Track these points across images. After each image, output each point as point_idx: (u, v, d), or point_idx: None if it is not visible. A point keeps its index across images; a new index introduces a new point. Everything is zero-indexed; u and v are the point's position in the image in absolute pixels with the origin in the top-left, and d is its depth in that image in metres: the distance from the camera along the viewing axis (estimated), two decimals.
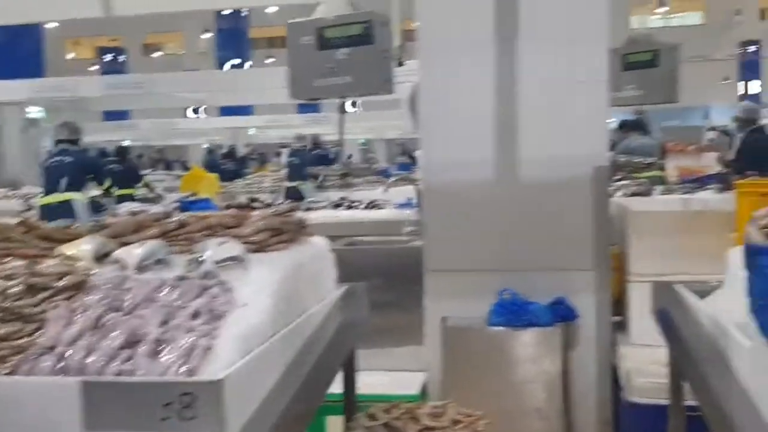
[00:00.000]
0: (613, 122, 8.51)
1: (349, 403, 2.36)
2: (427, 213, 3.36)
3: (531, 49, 3.22)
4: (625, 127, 8.18)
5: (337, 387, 2.34)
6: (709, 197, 3.55)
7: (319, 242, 2.13)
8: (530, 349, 3.16)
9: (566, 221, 3.24)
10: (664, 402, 2.44)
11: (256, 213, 2.00)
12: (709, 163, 10.55)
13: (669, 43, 4.11)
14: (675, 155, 9.86)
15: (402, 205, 4.60)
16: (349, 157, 18.62)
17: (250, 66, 18.55)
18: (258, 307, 1.61)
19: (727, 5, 27.45)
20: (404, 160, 14.53)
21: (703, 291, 2.14)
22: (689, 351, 1.92)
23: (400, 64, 3.36)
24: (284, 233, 1.91)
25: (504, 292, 3.18)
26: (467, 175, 3.29)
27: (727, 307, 1.79)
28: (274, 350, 1.64)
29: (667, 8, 26.83)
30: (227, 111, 17.73)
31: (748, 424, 1.48)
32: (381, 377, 3.12)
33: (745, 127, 6.50)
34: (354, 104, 14.74)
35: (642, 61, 4.11)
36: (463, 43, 3.25)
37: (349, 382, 2.34)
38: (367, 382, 2.81)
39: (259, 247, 1.84)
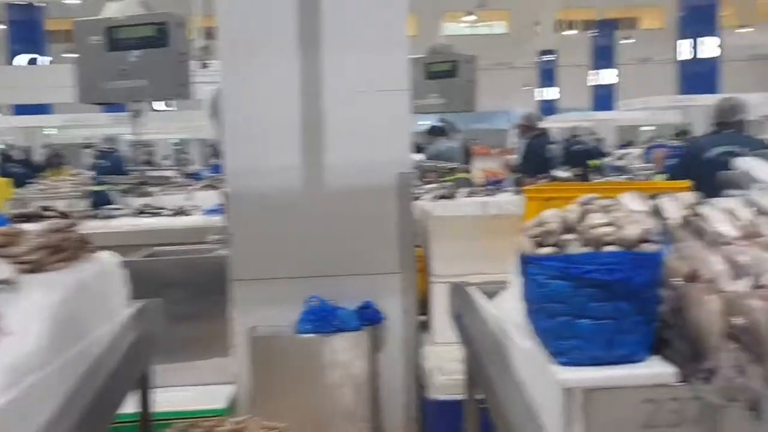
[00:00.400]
0: (424, 126, 8.85)
1: (145, 424, 2.25)
2: (233, 220, 3.29)
3: (335, 56, 3.25)
4: (434, 131, 8.52)
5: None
6: (504, 200, 3.78)
7: (105, 258, 2.00)
8: (339, 354, 3.19)
9: (372, 226, 3.31)
10: (461, 398, 2.56)
11: (32, 229, 1.84)
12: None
13: (466, 55, 4.32)
14: (480, 157, 10.45)
15: (210, 211, 4.47)
16: (166, 157, 17.81)
17: (49, 61, 17.23)
18: (30, 335, 1.49)
19: (527, 16, 29.58)
20: (218, 162, 14.12)
21: (494, 292, 2.26)
22: (477, 349, 2.03)
23: (204, 66, 3.26)
24: (64, 251, 1.78)
25: (311, 299, 3.18)
26: (273, 181, 3.27)
27: (510, 309, 1.91)
28: (50, 379, 1.52)
29: (474, 18, 28.38)
30: (21, 109, 16.32)
31: (524, 418, 1.59)
32: (187, 393, 3.02)
33: (526, 133, 6.95)
34: (167, 103, 14.15)
35: (442, 71, 4.28)
36: (266, 47, 3.22)
37: (145, 402, 2.23)
38: (172, 399, 2.71)
39: (35, 267, 1.70)
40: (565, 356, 1.44)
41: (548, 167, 6.34)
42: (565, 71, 28.61)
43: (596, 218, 1.48)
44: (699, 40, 19.08)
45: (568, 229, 1.48)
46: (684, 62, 19.78)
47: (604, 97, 25.49)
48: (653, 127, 24.05)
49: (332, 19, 3.23)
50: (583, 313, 1.42)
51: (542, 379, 1.52)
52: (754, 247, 1.76)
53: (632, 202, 2.35)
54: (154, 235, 3.87)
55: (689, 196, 2.22)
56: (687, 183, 2.96)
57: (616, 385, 1.40)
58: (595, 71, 26.26)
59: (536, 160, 6.58)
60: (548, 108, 27.87)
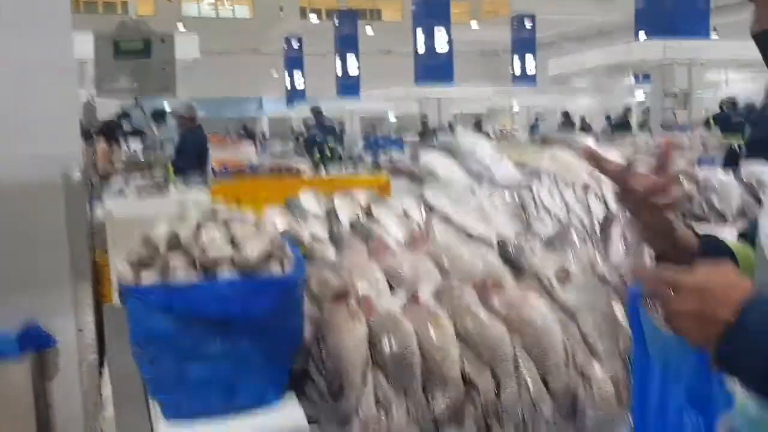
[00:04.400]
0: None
1: None
2: None
3: None
4: (155, 116, 7.89)
5: None
6: (203, 198, 3.41)
7: None
8: None
9: (34, 233, 2.78)
10: None
11: None
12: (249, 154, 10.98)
13: (161, 33, 3.85)
14: (215, 147, 9.99)
15: None
16: None
17: None
18: None
19: (271, 1, 29.19)
20: None
21: None
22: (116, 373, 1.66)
23: None
24: None
25: None
26: None
27: None
28: None
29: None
30: None
31: None
32: None
33: (185, 125, 6.69)
34: None
35: (134, 50, 3.77)
36: None
37: None
38: None
39: None
40: (172, 411, 1.13)
41: (202, 162, 6.17)
42: (311, 60, 28.80)
43: (212, 234, 1.17)
44: (431, 31, 20.21)
45: (178, 248, 1.16)
46: (420, 55, 20.84)
47: (349, 86, 26.04)
48: (394, 120, 25.10)
49: None
50: (192, 357, 1.11)
51: None
52: (418, 254, 1.58)
53: (308, 202, 2.13)
54: None
55: (366, 195, 2.03)
56: (385, 178, 2.81)
57: None
58: (339, 60, 26.73)
59: (192, 153, 6.36)
60: (296, 95, 27.87)
